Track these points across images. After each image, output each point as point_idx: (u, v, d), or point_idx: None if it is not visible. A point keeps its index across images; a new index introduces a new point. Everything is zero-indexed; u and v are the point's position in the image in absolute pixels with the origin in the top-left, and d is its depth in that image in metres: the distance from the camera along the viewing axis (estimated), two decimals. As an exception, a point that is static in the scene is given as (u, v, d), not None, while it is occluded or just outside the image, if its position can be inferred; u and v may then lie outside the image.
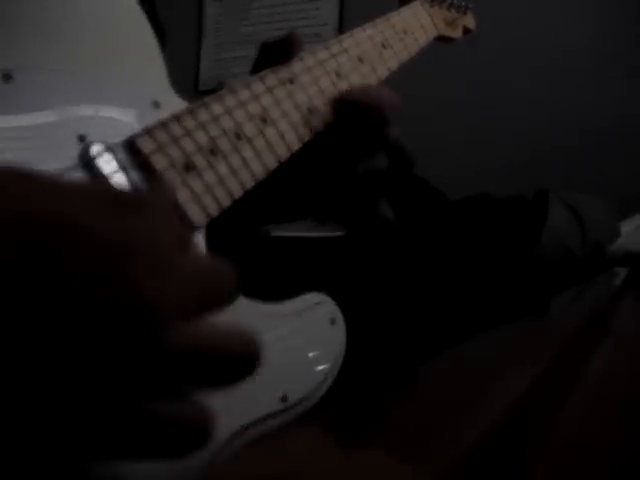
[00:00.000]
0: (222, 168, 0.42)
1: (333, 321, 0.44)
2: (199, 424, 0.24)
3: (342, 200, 0.59)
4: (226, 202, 0.41)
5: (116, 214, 0.23)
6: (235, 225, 0.48)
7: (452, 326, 0.81)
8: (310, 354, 0.42)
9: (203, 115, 0.41)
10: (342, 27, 1.81)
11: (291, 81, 0.48)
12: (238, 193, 0.42)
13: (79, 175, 0.35)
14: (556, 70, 1.53)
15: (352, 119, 0.50)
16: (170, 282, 0.23)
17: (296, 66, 0.49)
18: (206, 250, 0.40)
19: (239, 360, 0.24)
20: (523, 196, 1.03)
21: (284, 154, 0.46)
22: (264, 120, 0.45)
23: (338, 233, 0.98)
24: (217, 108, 0.43)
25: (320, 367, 0.42)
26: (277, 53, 0.49)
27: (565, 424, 0.26)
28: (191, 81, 1.96)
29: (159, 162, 0.38)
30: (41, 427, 0.21)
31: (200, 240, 0.40)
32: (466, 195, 1.04)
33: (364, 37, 0.56)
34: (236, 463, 0.29)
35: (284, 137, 0.46)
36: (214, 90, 0.44)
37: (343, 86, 0.52)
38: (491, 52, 1.52)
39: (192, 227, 0.39)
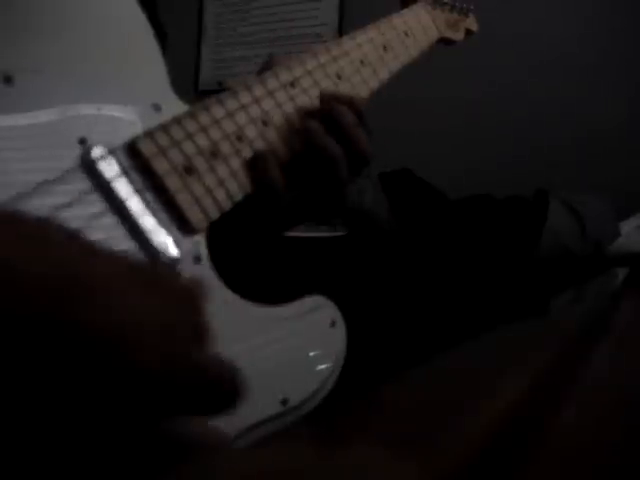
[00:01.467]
0: (223, 171, 0.42)
1: (333, 324, 0.44)
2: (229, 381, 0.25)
3: (340, 199, 0.58)
4: (227, 205, 0.41)
5: (145, 292, 0.24)
6: (236, 228, 0.48)
7: (452, 326, 0.81)
8: (311, 357, 0.42)
9: (204, 118, 0.41)
10: (342, 27, 1.80)
11: (292, 84, 0.48)
12: (238, 196, 0.42)
13: (80, 176, 0.35)
14: (556, 70, 1.53)
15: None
16: (177, 372, 0.23)
17: (297, 69, 0.49)
18: (207, 253, 0.40)
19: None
20: (523, 196, 1.03)
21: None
22: (265, 123, 0.45)
23: (338, 233, 0.98)
24: (218, 111, 0.43)
25: (321, 370, 0.42)
26: None
27: (564, 424, 0.26)
28: (191, 81, 1.96)
29: (160, 165, 0.38)
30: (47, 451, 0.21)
31: (201, 243, 0.40)
32: (466, 195, 1.04)
33: (365, 39, 0.56)
34: (235, 462, 0.29)
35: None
36: (214, 90, 0.44)
37: (344, 89, 0.52)
38: (491, 52, 1.52)
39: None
